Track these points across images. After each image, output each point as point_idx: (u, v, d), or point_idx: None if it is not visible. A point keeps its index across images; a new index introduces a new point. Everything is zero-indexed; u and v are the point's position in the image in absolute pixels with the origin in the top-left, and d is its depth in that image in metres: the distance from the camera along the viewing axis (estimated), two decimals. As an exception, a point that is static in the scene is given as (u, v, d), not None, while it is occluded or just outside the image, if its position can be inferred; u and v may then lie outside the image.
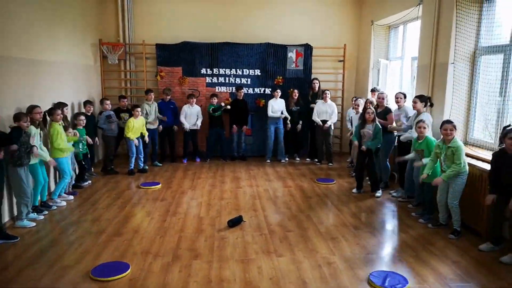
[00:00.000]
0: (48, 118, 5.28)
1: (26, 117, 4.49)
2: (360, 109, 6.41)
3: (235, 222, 4.64)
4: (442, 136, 4.39)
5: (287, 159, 8.17)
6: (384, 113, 5.96)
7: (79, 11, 7.08)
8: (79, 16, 7.06)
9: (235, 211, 5.12)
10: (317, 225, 4.69)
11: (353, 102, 7.09)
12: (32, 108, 4.75)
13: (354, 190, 6.00)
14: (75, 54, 6.92)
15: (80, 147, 6.06)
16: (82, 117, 6.17)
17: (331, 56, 8.67)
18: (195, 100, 7.85)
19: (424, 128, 4.76)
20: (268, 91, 8.41)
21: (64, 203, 5.37)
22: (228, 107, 7.91)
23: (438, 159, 4.46)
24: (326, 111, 7.51)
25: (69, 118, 6.04)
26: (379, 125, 5.63)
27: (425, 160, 4.69)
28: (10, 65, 4.71)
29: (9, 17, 4.71)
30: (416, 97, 5.32)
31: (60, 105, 5.59)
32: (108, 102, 7.02)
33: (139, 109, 6.96)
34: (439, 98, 5.47)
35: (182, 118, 7.75)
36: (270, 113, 7.79)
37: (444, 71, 5.35)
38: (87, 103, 6.75)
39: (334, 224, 4.71)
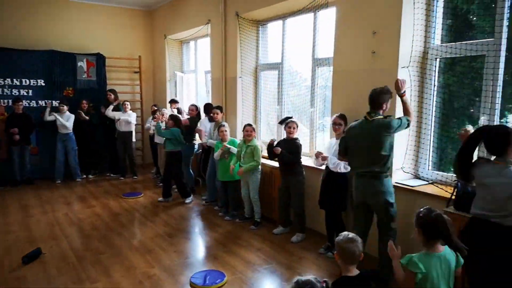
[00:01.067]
0: None
1: None
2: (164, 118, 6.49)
3: (31, 257, 3.97)
4: (243, 137, 5.00)
5: (84, 176, 7.50)
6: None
7: None
8: None
9: (29, 244, 4.36)
10: (130, 241, 4.52)
11: (154, 109, 7.19)
12: None
13: (161, 199, 6.06)
14: None
15: None
16: None
17: (127, 67, 8.47)
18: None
19: (226, 131, 5.26)
20: (56, 103, 7.48)
21: None
22: None
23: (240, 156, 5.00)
24: (128, 121, 7.31)
25: None
26: (176, 129, 5.87)
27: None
28: None
29: None
30: (216, 107, 5.77)
31: None
32: None
33: None
34: (232, 107, 6.17)
35: None
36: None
37: (234, 84, 6.07)
38: None
39: (149, 237, 4.65)
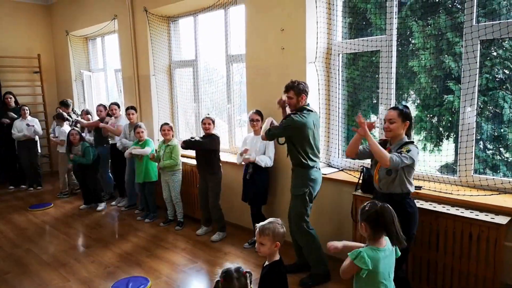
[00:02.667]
0: None
1: None
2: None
3: None
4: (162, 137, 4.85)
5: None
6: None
7: None
8: None
9: None
10: (41, 256, 4.15)
11: (58, 111, 6.69)
12: None
13: (82, 206, 5.75)
14: None
15: None
16: None
17: (25, 66, 7.68)
18: None
19: (142, 132, 5.07)
20: None
21: None
22: None
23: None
24: (26, 128, 6.63)
25: None
26: (86, 143, 5.56)
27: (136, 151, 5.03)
28: None
29: None
30: (130, 108, 5.48)
31: None
32: None
33: None
34: (147, 106, 5.96)
35: None
36: None
37: (147, 82, 5.86)
38: None
39: (62, 250, 4.31)
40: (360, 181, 3.40)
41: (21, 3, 7.62)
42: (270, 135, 3.39)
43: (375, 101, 4.02)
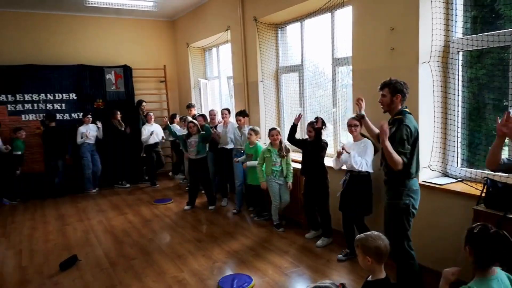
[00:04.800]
0: None
1: None
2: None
3: (68, 263, 4.16)
4: (270, 141, 4.98)
5: (119, 186, 7.79)
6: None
7: None
8: None
9: (66, 251, 4.57)
10: (161, 246, 4.64)
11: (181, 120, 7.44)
12: None
13: (186, 207, 6.12)
14: None
15: None
16: None
17: (153, 77, 8.72)
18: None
19: (251, 135, 5.28)
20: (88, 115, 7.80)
21: None
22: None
23: (265, 162, 4.99)
24: (154, 132, 7.52)
25: None
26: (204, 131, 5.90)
27: (249, 163, 5.28)
28: None
29: None
30: (238, 113, 5.80)
31: None
32: None
33: None
34: (255, 110, 6.21)
35: None
36: (79, 140, 7.25)
37: (255, 88, 6.11)
38: None
39: (179, 242, 4.76)
40: (483, 194, 3.00)
41: (151, 20, 8.68)
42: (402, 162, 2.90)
43: (505, 103, 3.51)
